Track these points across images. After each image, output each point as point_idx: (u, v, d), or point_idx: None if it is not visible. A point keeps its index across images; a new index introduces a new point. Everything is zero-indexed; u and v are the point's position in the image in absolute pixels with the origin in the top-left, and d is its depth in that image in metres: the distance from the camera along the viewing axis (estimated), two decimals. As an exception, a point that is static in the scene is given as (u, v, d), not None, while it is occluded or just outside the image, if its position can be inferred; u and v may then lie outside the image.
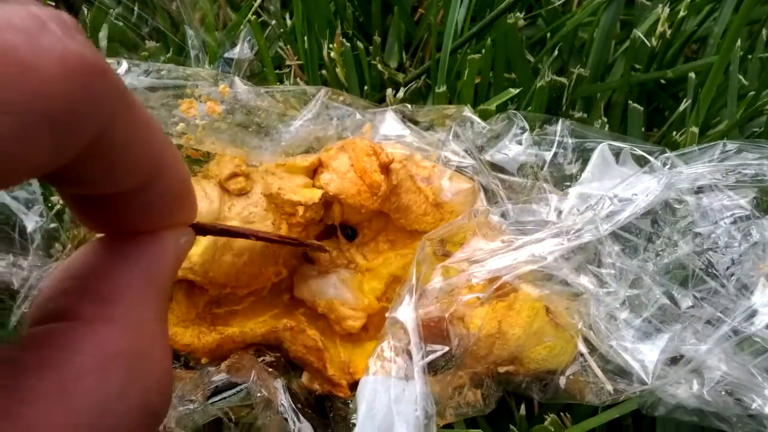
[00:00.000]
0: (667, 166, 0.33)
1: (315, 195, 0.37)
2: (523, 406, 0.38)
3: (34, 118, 0.13)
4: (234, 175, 0.37)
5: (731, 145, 0.34)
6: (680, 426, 0.37)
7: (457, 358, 0.34)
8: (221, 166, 0.37)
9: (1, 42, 0.12)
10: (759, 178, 0.32)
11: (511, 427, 0.37)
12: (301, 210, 0.37)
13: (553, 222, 0.33)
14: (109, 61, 0.38)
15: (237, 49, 0.50)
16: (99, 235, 0.19)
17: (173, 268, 0.19)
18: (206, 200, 0.36)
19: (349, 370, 0.37)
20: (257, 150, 0.40)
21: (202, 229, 0.24)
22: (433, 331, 0.33)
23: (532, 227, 0.34)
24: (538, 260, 0.32)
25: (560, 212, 0.35)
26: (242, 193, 0.37)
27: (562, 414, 0.38)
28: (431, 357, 0.32)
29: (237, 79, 0.39)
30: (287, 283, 0.41)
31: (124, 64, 0.37)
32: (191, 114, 0.37)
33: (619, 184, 0.33)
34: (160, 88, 0.37)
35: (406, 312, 0.32)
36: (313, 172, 0.40)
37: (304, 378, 0.38)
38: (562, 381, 0.36)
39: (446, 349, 0.32)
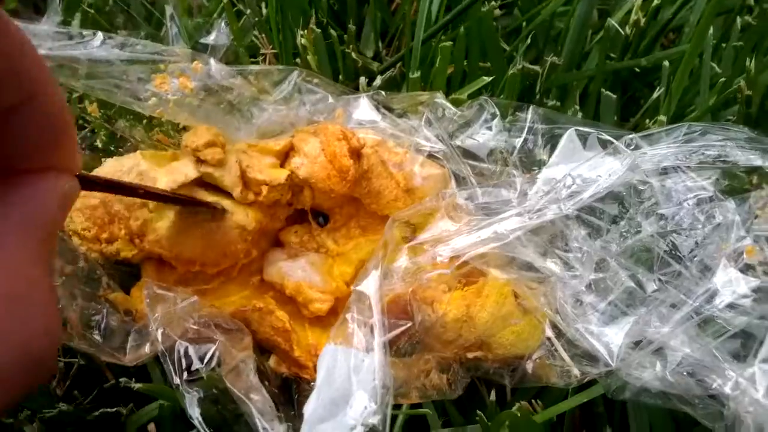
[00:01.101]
0: (631, 148, 0.33)
1: (281, 175, 0.37)
2: (493, 392, 0.38)
3: None
4: (212, 144, 0.37)
5: (696, 127, 0.34)
6: (652, 411, 0.37)
7: (421, 339, 0.34)
8: (198, 135, 0.37)
9: None
10: (722, 159, 0.32)
11: (479, 412, 0.37)
12: (265, 189, 0.37)
13: (517, 202, 0.33)
14: (85, 32, 0.38)
15: (212, 36, 0.50)
16: None
17: (56, 214, 0.19)
18: (182, 174, 0.36)
19: (316, 353, 0.36)
20: (231, 129, 0.40)
21: (87, 181, 0.23)
22: (397, 307, 0.33)
23: (497, 207, 0.34)
24: (502, 238, 0.32)
25: (526, 194, 0.35)
26: (219, 164, 0.37)
27: (533, 401, 0.38)
28: (394, 332, 0.32)
29: (211, 59, 0.39)
30: (257, 265, 0.41)
31: (100, 36, 0.37)
32: (164, 89, 0.37)
33: (582, 164, 0.33)
34: (136, 62, 0.37)
35: (370, 286, 0.32)
36: (285, 155, 0.40)
37: (272, 361, 0.37)
38: (530, 365, 0.36)
39: (409, 324, 0.32)
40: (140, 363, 0.34)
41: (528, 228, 0.32)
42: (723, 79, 0.45)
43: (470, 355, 0.38)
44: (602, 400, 0.38)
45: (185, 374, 0.31)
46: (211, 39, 0.49)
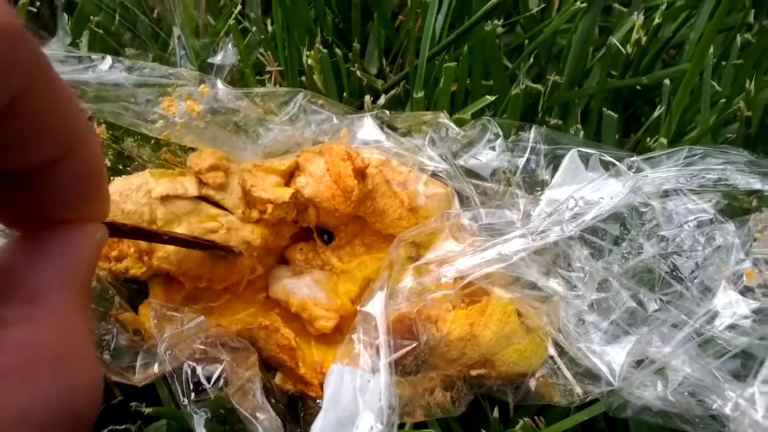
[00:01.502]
0: (633, 170, 0.34)
1: (285, 194, 0.38)
2: (496, 409, 0.39)
3: None
4: (214, 168, 0.37)
5: (696, 150, 0.34)
6: (653, 428, 0.38)
7: (426, 358, 0.34)
8: (202, 157, 0.38)
9: None
10: (722, 182, 0.33)
11: (482, 431, 0.37)
12: (270, 208, 0.38)
13: (521, 224, 0.34)
14: (94, 56, 0.38)
15: (219, 55, 0.51)
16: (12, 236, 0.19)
17: (91, 265, 0.19)
18: (183, 187, 0.37)
19: (321, 370, 0.37)
20: (237, 150, 0.41)
21: (114, 228, 0.23)
22: (402, 327, 0.34)
23: (501, 228, 0.34)
24: (505, 259, 0.32)
25: (529, 215, 0.35)
26: (221, 187, 0.38)
27: (536, 417, 0.39)
28: (399, 353, 0.32)
29: (219, 81, 0.40)
30: (263, 282, 0.42)
31: (108, 60, 0.38)
32: (171, 112, 0.38)
33: (585, 186, 0.33)
34: (144, 85, 0.38)
35: (376, 307, 0.32)
36: (290, 174, 0.41)
37: (278, 378, 0.38)
38: (533, 383, 0.36)
39: (414, 344, 0.33)
40: (148, 382, 0.34)
41: (531, 249, 0.33)
42: (723, 99, 0.46)
43: (474, 373, 0.38)
44: (603, 417, 0.39)
45: (192, 395, 0.32)
46: (218, 59, 0.50)
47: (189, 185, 0.37)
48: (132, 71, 0.39)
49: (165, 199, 0.36)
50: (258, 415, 0.32)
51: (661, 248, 0.33)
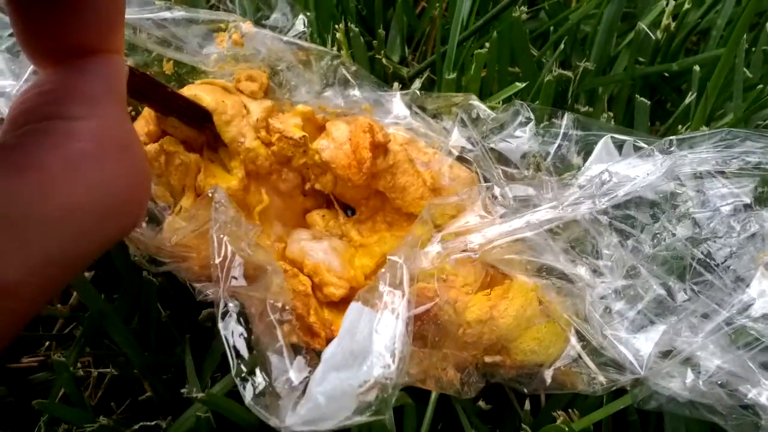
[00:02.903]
0: (670, 151, 0.33)
1: (295, 132, 0.39)
2: (528, 402, 0.38)
3: None
4: (251, 78, 0.41)
5: (737, 133, 0.33)
6: (689, 420, 0.37)
7: (442, 337, 0.34)
8: (243, 70, 0.42)
9: None
10: (762, 167, 0.32)
11: (524, 426, 0.37)
12: (276, 137, 0.39)
13: (552, 196, 0.34)
14: (157, 1, 0.41)
15: (271, 18, 0.52)
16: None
17: (125, 89, 0.21)
18: (209, 88, 0.40)
19: (331, 327, 0.37)
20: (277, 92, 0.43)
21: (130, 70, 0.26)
22: (421, 296, 0.34)
23: (532, 201, 0.34)
24: (534, 227, 0.32)
25: (560, 193, 0.35)
26: (252, 95, 0.41)
27: (569, 410, 0.38)
28: (420, 309, 0.32)
29: (266, 27, 0.43)
30: (281, 237, 0.42)
31: (165, 5, 0.41)
32: (221, 46, 0.42)
33: (620, 161, 0.33)
34: (200, 22, 0.41)
35: (404, 258, 0.32)
36: (315, 129, 0.42)
37: (285, 328, 0.38)
38: (548, 374, 0.35)
39: (434, 302, 0.33)
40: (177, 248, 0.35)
41: (560, 221, 0.32)
42: (760, 85, 0.44)
43: (488, 359, 0.38)
44: (636, 409, 0.38)
45: (231, 281, 0.32)
46: (269, 21, 0.51)
47: (230, 96, 0.40)
48: (190, 11, 0.42)
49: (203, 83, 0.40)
50: (283, 326, 0.33)
51: (694, 233, 0.33)
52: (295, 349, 0.32)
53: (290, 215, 0.42)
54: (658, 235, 0.33)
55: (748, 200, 0.31)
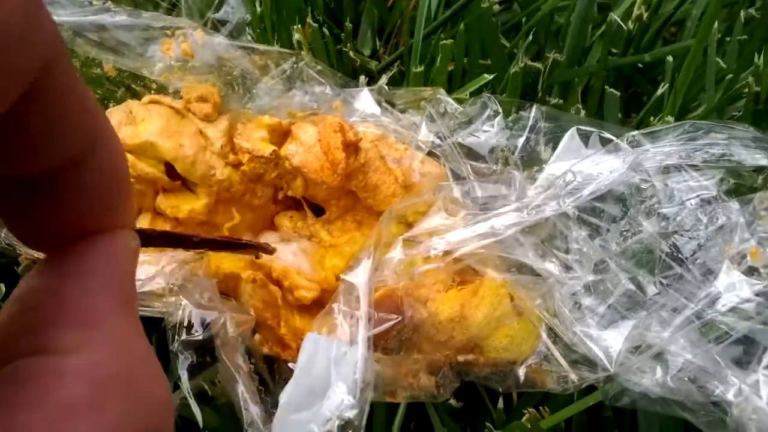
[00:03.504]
0: (633, 145, 0.32)
1: (265, 149, 0.38)
2: (501, 400, 0.37)
3: None
4: (203, 99, 0.38)
5: (700, 125, 0.33)
6: (663, 418, 0.36)
7: (411, 336, 0.33)
8: (193, 88, 0.38)
9: None
10: (726, 158, 0.31)
11: (487, 424, 0.36)
12: (246, 158, 0.37)
13: (515, 198, 0.33)
14: (95, 1, 0.38)
15: (222, 10, 0.50)
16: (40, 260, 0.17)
17: (133, 276, 0.17)
18: (161, 119, 0.37)
19: (302, 336, 0.36)
20: (231, 102, 0.41)
21: (144, 236, 0.22)
22: (389, 303, 0.32)
23: (494, 202, 0.33)
24: (498, 233, 0.31)
25: (524, 190, 0.34)
26: (207, 118, 0.38)
27: (540, 407, 0.37)
28: (381, 327, 0.31)
29: (217, 34, 0.40)
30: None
31: (109, 6, 0.38)
32: (168, 54, 0.39)
33: (583, 160, 0.32)
34: (146, 28, 0.39)
35: (360, 276, 0.31)
36: (280, 136, 0.40)
37: (256, 338, 0.37)
38: (522, 371, 0.35)
39: (398, 318, 0.31)
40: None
41: (525, 224, 0.32)
42: (730, 75, 0.44)
43: (461, 358, 0.37)
44: (610, 406, 0.37)
45: (183, 335, 0.31)
46: (220, 14, 0.49)
47: (164, 111, 0.37)
48: (133, 15, 0.39)
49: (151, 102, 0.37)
50: (240, 370, 0.31)
51: (662, 227, 0.32)
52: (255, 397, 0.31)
53: (260, 222, 0.41)
54: (625, 232, 0.32)
55: (714, 192, 0.30)
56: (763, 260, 0.29)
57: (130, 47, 0.38)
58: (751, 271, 0.29)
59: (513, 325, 0.36)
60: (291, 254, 0.39)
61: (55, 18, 0.36)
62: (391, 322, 0.32)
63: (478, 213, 0.33)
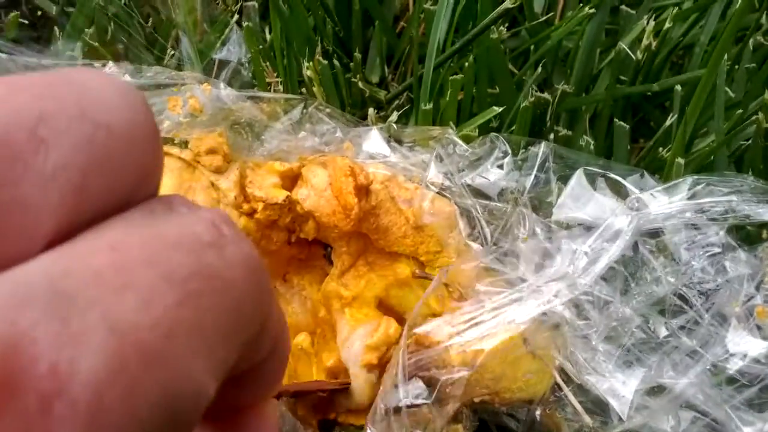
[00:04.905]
0: (635, 209, 0.33)
1: (278, 195, 0.38)
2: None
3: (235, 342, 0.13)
4: (212, 151, 0.38)
5: (700, 180, 0.33)
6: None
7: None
8: (202, 140, 0.38)
9: (204, 265, 0.12)
10: (729, 214, 0.32)
11: None
12: (260, 206, 0.38)
13: (532, 279, 0.33)
14: (96, 64, 0.38)
15: (224, 50, 0.50)
16: None
17: None
18: (173, 175, 0.37)
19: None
20: (240, 150, 0.41)
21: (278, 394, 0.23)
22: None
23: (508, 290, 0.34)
24: (511, 328, 0.32)
25: (541, 266, 0.35)
26: (218, 170, 0.38)
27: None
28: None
29: (221, 83, 0.40)
30: None
31: (111, 66, 0.38)
32: (176, 111, 0.39)
33: (590, 235, 0.33)
34: (149, 87, 0.38)
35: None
36: (292, 180, 0.40)
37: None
38: (538, 413, 0.35)
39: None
40: None
41: (539, 315, 0.32)
42: (740, 111, 0.44)
43: (477, 399, 0.38)
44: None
45: None
46: (222, 54, 0.49)
47: (173, 163, 0.37)
48: (135, 75, 0.38)
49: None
50: None
51: (672, 283, 0.32)
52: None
53: (276, 267, 0.42)
54: (638, 288, 0.33)
55: (719, 248, 0.31)
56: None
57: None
58: (758, 329, 0.30)
59: (527, 365, 0.37)
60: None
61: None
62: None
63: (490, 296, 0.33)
